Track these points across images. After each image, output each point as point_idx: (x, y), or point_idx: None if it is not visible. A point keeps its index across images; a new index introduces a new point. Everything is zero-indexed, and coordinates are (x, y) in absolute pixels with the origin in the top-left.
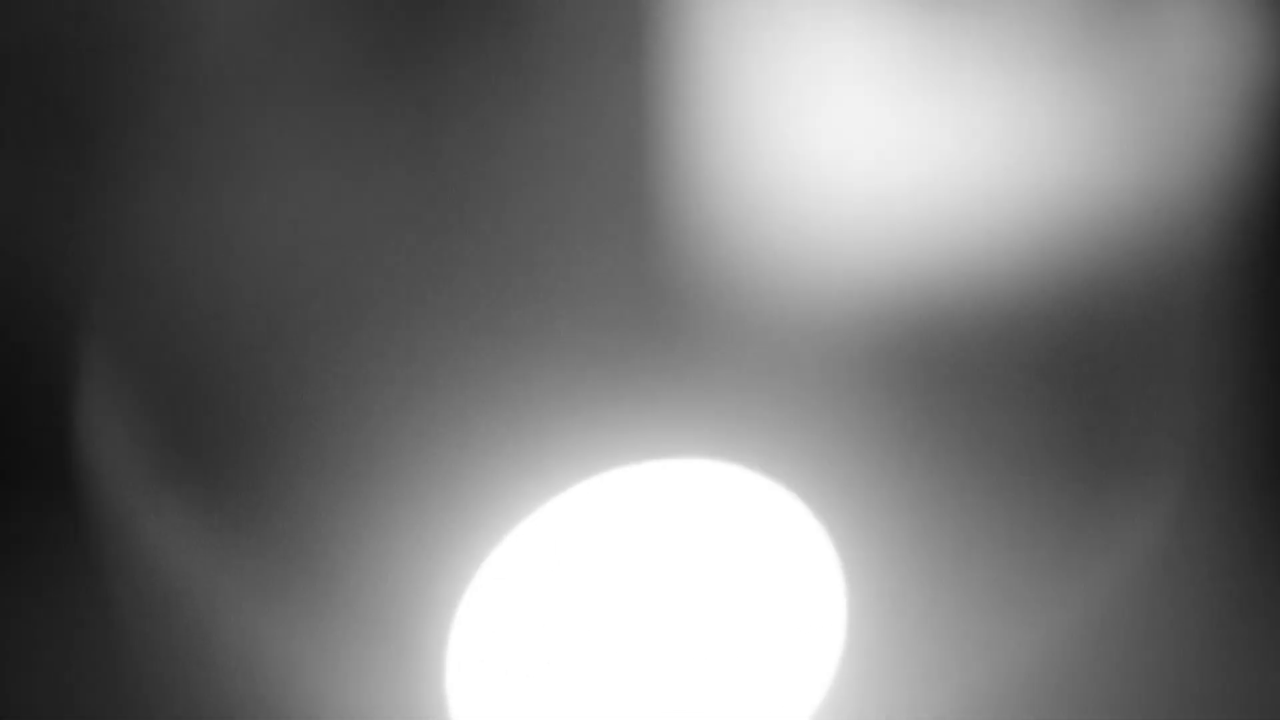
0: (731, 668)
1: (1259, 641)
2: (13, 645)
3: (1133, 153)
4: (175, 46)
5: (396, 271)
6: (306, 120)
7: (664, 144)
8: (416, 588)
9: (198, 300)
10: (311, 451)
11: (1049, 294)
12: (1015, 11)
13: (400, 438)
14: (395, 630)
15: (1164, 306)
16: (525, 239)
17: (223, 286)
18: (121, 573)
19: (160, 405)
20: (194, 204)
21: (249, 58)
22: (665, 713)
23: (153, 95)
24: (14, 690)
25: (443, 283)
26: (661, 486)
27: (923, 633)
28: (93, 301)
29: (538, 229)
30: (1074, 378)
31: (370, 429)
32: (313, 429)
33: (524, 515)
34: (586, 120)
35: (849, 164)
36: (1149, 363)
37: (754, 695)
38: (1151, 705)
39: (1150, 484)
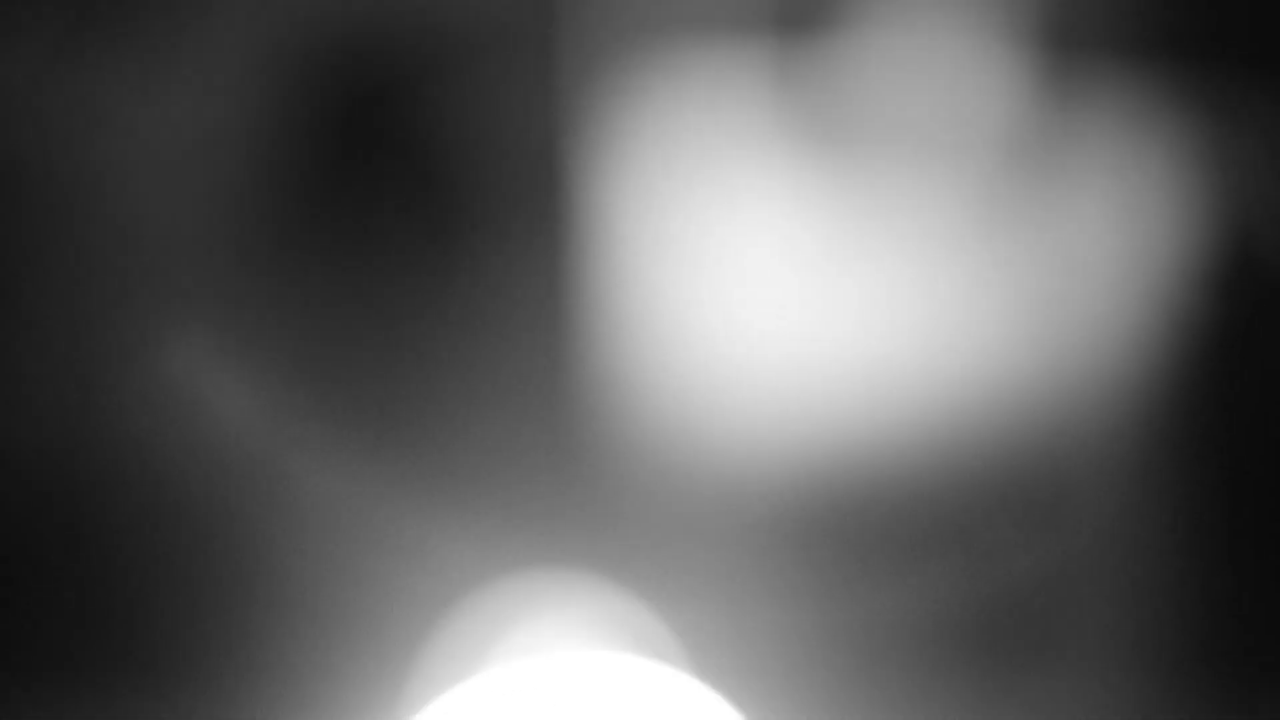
0: None
1: None
2: None
3: (1040, 332)
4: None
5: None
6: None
7: (581, 313)
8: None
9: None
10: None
11: (957, 465)
12: (931, 192)
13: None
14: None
15: (1065, 479)
16: (444, 405)
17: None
18: None
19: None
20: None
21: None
22: None
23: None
24: None
25: (365, 449)
26: (570, 677)
27: None
28: None
29: (457, 396)
30: (978, 550)
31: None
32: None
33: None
34: (506, 286)
35: (764, 337)
36: (1053, 534)
37: None
38: None
39: (1063, 662)
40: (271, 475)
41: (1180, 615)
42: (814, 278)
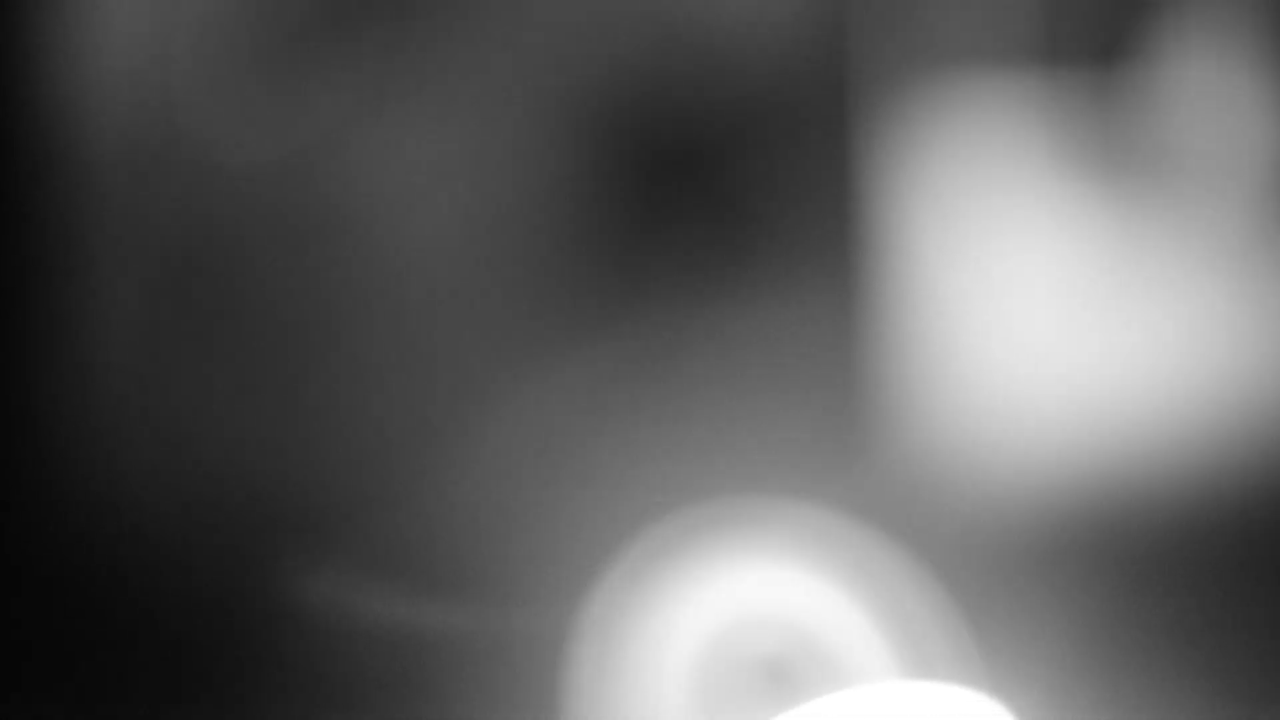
0: None
1: None
2: None
3: None
4: None
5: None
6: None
7: (867, 336)
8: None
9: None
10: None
11: (1229, 492)
12: (1199, 217)
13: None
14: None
15: None
16: (730, 416)
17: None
18: None
19: None
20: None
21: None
22: None
23: None
24: None
25: (640, 449)
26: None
27: None
28: None
29: (754, 412)
30: (1256, 572)
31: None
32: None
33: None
34: (795, 307)
35: (1042, 363)
36: None
37: None
38: None
39: None
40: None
41: None
42: (1093, 301)
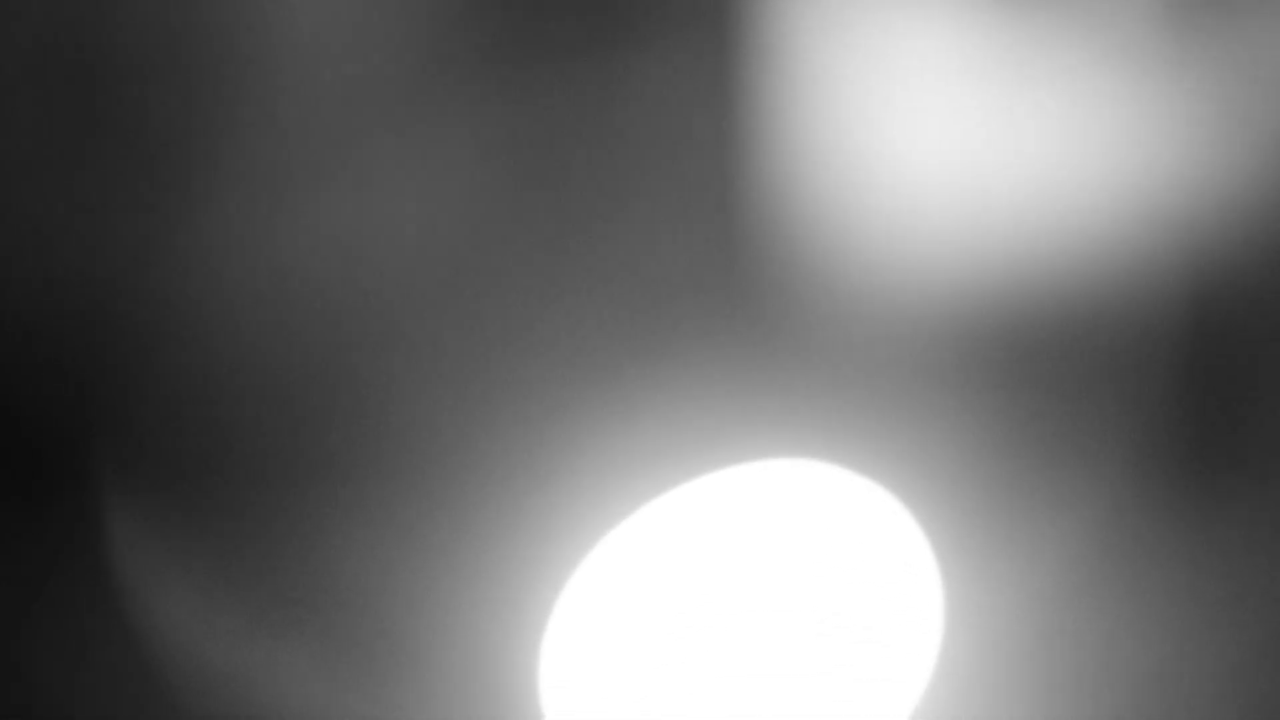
0: (826, 669)
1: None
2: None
3: (1214, 149)
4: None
5: (478, 273)
6: (393, 120)
7: (751, 138)
8: (508, 599)
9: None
10: (395, 464)
11: (1135, 290)
12: (1101, 11)
13: (486, 448)
14: (487, 643)
15: (1253, 303)
16: (611, 238)
17: (294, 291)
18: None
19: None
20: (267, 215)
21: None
22: (760, 715)
23: (228, 104)
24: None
25: (524, 288)
26: (755, 489)
27: (1017, 628)
28: (156, 312)
29: (623, 228)
30: (1165, 374)
31: (453, 437)
32: (394, 442)
33: (617, 522)
34: (674, 114)
35: (935, 160)
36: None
37: (850, 697)
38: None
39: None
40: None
41: None
42: (989, 99)
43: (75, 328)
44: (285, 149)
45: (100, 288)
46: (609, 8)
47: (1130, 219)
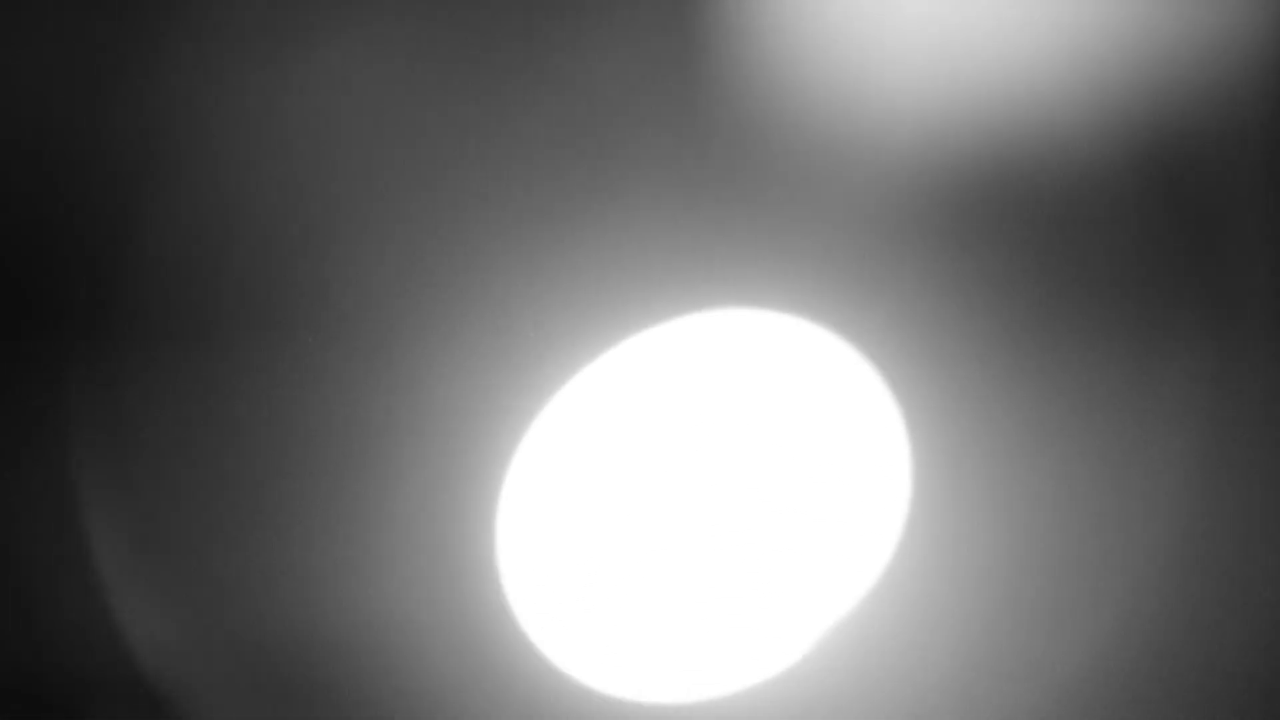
0: (792, 524)
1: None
2: None
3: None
4: None
5: (440, 121)
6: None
7: None
8: (466, 446)
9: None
10: (355, 311)
11: (1098, 137)
12: None
13: (445, 294)
14: (444, 493)
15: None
16: (573, 85)
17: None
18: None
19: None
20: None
21: None
22: (725, 569)
23: None
24: None
25: (487, 133)
26: (717, 339)
27: (986, 484)
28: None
29: (585, 78)
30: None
31: (413, 285)
32: (355, 289)
33: (575, 371)
34: None
35: (903, 10)
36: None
37: (817, 551)
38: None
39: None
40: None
41: None
42: None
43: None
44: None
45: (85, 135)
46: None
47: (1094, 65)
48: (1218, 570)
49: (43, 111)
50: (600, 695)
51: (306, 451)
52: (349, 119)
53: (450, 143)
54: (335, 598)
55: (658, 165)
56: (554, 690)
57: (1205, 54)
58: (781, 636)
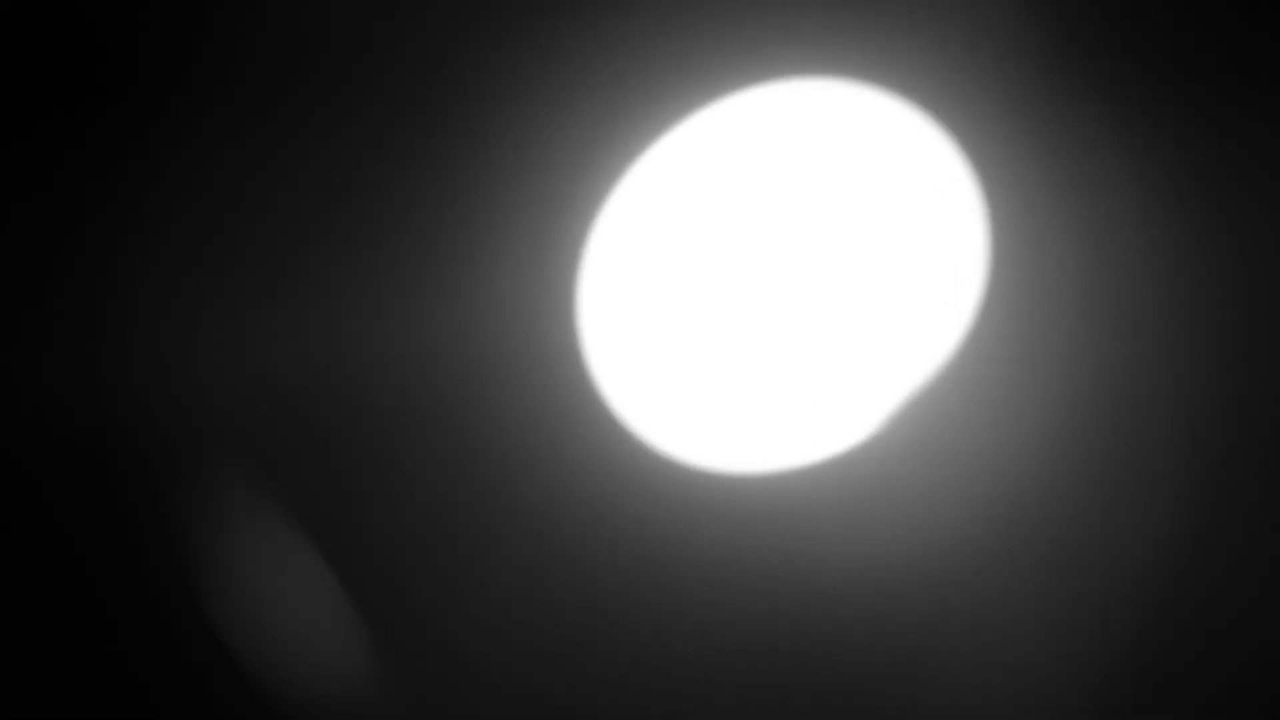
0: (872, 297)
1: None
2: None
3: None
4: None
5: None
6: None
7: None
8: (551, 206)
9: None
10: (424, 91)
11: None
12: None
13: (523, 59)
14: (527, 260)
15: None
16: None
17: None
18: None
19: None
20: None
21: None
22: (801, 341)
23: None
24: None
25: None
26: (798, 108)
27: (1066, 261)
28: None
29: None
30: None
31: (490, 52)
32: (419, 71)
33: (656, 137)
34: None
35: None
36: None
37: (896, 326)
38: None
39: None
40: None
41: None
42: None
43: None
44: None
45: None
46: None
47: None
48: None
49: None
50: (678, 463)
51: (394, 218)
52: None
53: None
54: (420, 349)
55: None
56: (631, 457)
57: None
58: (855, 410)
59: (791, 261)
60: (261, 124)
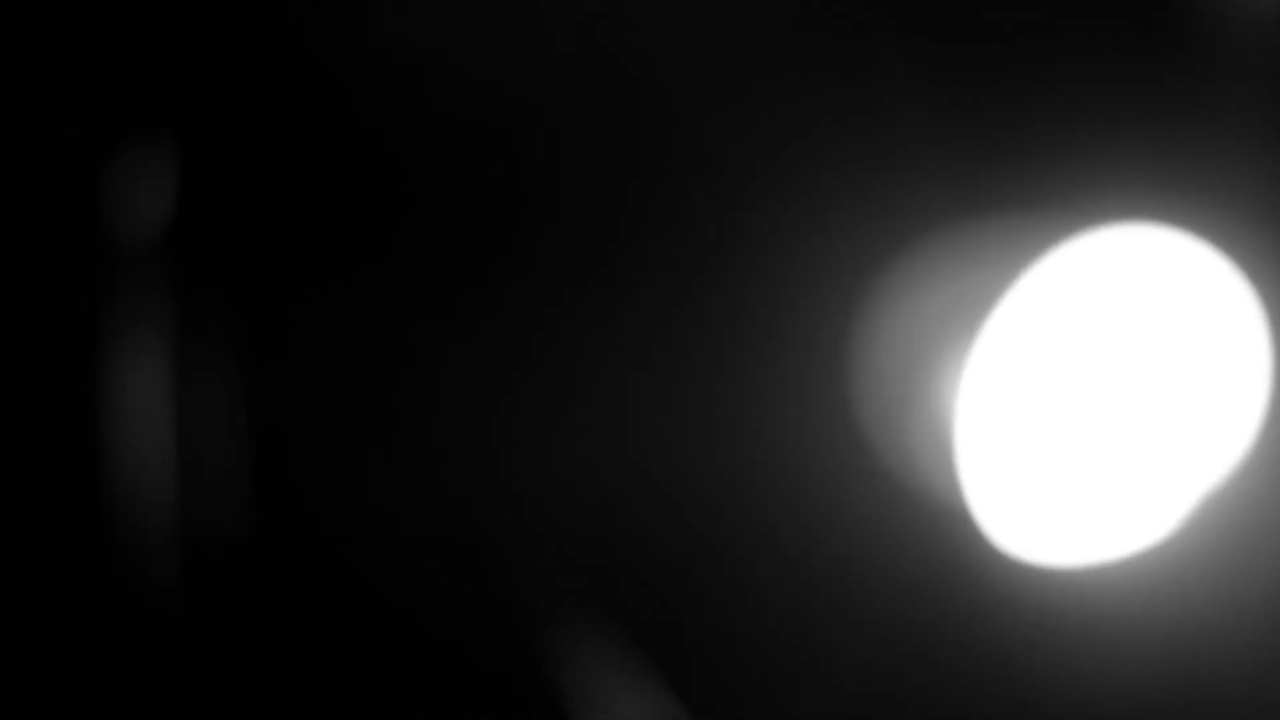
0: (1161, 421)
1: None
2: None
3: None
4: None
5: None
6: None
7: None
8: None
9: None
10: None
11: None
12: None
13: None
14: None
15: None
16: None
17: None
18: None
19: None
20: None
21: None
22: (1113, 451)
23: None
24: None
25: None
26: (1119, 250)
27: None
28: None
29: None
30: None
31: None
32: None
33: (1015, 276)
34: None
35: None
36: None
37: (1183, 449)
38: None
39: None
40: None
41: None
42: None
43: None
44: None
45: None
46: None
47: None
48: None
49: None
50: (1028, 564)
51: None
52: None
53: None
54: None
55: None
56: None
57: None
58: (1155, 511)
59: (1105, 381)
60: (631, 294)
